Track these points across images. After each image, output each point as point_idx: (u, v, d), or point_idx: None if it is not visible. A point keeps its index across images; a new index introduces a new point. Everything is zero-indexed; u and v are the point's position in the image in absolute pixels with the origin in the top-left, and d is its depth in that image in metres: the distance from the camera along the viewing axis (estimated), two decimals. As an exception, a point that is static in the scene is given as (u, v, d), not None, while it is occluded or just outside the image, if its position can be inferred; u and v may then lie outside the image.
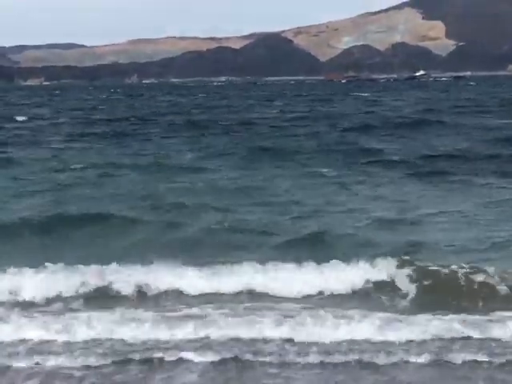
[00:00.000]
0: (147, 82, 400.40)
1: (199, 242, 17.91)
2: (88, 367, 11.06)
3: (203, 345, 11.62)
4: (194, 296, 13.96)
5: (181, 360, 11.16)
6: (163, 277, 14.21)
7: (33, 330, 12.15)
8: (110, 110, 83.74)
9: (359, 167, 30.48)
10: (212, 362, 11.08)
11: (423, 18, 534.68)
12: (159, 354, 11.29)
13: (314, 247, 16.90)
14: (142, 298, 14.07)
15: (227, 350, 11.42)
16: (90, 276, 14.31)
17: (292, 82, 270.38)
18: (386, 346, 11.42)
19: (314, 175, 28.57)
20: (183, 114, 71.54)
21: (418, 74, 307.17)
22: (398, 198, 23.19)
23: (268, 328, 11.96)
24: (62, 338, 11.92)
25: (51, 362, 11.15)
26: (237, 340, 11.75)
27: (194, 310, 12.98)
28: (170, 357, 11.23)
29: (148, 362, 11.16)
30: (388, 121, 55.31)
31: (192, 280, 14.16)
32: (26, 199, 23.76)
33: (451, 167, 29.79)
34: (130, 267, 14.60)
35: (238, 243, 17.64)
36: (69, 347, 11.69)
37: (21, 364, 11.15)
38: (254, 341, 11.70)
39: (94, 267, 14.60)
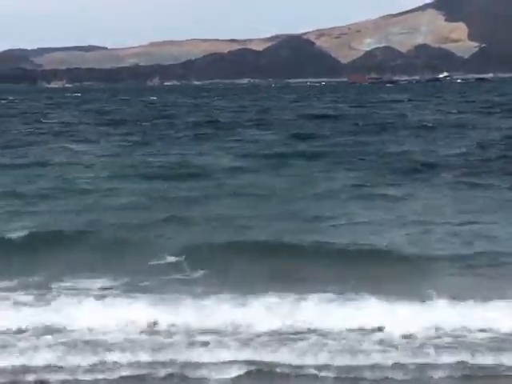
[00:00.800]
0: (169, 84, 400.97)
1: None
2: None
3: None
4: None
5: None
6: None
7: None
8: (130, 112, 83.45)
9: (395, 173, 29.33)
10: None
11: (446, 20, 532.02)
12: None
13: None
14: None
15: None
16: None
17: (317, 84, 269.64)
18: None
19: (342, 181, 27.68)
20: (206, 115, 71.05)
21: (441, 75, 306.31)
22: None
23: None
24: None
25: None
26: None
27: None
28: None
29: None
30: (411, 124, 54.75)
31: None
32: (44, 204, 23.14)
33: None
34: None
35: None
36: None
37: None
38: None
39: None
